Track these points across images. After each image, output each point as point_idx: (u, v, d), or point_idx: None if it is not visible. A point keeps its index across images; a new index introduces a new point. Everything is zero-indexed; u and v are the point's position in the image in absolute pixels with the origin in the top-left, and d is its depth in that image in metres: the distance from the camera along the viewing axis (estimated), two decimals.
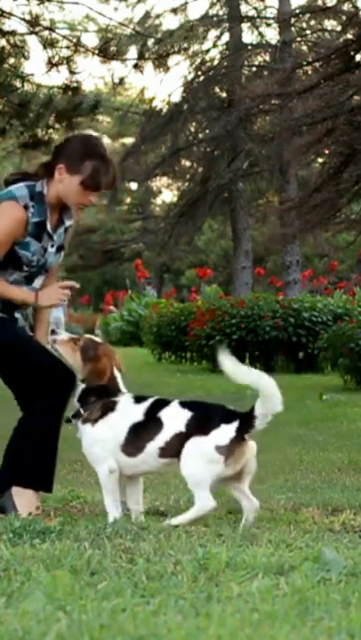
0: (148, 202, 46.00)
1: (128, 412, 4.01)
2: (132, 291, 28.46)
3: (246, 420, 3.89)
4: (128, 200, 47.50)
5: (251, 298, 16.89)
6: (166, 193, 46.83)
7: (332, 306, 16.40)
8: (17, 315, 4.29)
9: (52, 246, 4.27)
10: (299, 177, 22.39)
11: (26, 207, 4.12)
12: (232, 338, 15.75)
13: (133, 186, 43.78)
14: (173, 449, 3.91)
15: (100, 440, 4.00)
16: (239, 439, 3.83)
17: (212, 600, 2.61)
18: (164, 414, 3.97)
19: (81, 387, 4.08)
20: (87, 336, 4.17)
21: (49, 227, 4.23)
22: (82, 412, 4.05)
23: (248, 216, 23.70)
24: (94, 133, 4.41)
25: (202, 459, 3.83)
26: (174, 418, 3.94)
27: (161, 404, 4.02)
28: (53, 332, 4.14)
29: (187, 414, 3.94)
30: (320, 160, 17.06)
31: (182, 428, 3.91)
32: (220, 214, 26.45)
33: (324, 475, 5.95)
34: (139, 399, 4.06)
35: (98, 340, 4.18)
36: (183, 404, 3.99)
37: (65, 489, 4.88)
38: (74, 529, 3.63)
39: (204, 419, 3.92)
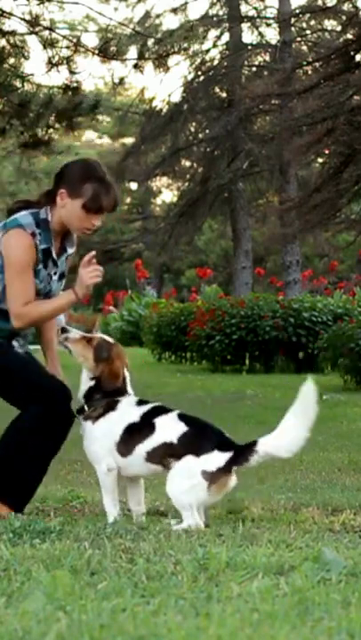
0: (148, 202, 46.02)
1: (127, 412, 4.01)
2: (132, 291, 28.46)
3: (242, 453, 3.81)
4: (128, 200, 47.51)
5: (251, 298, 16.89)
6: (166, 193, 46.86)
7: (332, 306, 16.40)
8: (14, 342, 4.27)
9: (55, 274, 4.27)
10: (299, 177, 22.40)
11: (33, 235, 4.12)
12: (232, 338, 15.75)
13: (133, 186, 43.80)
14: (159, 456, 3.90)
15: (98, 438, 4.00)
16: (226, 471, 3.79)
17: (212, 600, 2.61)
18: (158, 421, 3.95)
19: (88, 384, 4.07)
20: (100, 335, 4.16)
21: (54, 253, 4.24)
22: (85, 408, 4.05)
23: (248, 216, 23.70)
24: (93, 158, 4.43)
25: (187, 480, 3.81)
26: (168, 427, 3.93)
27: (160, 410, 4.01)
28: (64, 329, 4.12)
29: (182, 428, 3.91)
30: (320, 160, 17.06)
31: (173, 440, 3.89)
32: (220, 214, 26.46)
33: (324, 475, 5.94)
34: (141, 402, 4.05)
35: (111, 340, 4.16)
36: (181, 417, 3.96)
37: (65, 489, 4.89)
38: (74, 529, 3.63)
39: (198, 438, 3.88)
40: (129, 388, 4.09)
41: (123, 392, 4.06)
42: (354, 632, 2.32)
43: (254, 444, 3.84)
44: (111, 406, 4.02)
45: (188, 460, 3.83)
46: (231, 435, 8.24)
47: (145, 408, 4.02)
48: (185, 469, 3.83)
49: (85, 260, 4.14)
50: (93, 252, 4.18)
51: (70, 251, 4.37)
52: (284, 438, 3.76)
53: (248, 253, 23.00)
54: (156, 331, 18.64)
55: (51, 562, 3.04)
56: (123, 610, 2.50)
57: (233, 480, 3.86)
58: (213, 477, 3.78)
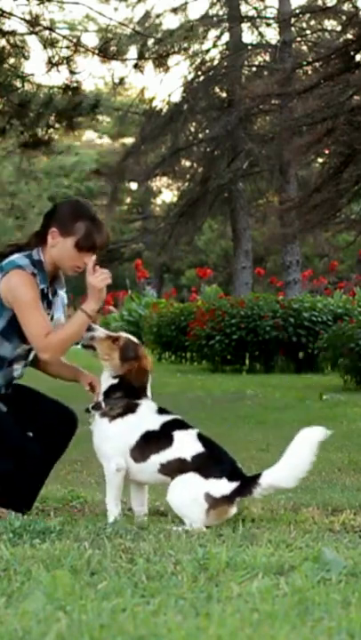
0: (148, 202, 46.02)
1: (146, 419, 4.00)
2: (132, 291, 28.46)
3: (246, 485, 3.82)
4: (128, 200, 47.52)
5: (251, 298, 16.89)
6: (166, 193, 46.86)
7: (332, 306, 16.41)
8: None
9: (49, 315, 4.25)
10: (299, 177, 22.40)
11: (33, 275, 4.11)
12: (232, 338, 15.75)
13: (133, 186, 43.81)
14: (171, 470, 3.90)
15: (112, 438, 3.98)
16: (229, 500, 3.79)
17: (212, 600, 2.61)
18: (177, 435, 3.95)
19: (110, 382, 4.06)
20: (126, 335, 4.14)
21: (50, 295, 4.24)
22: (103, 404, 4.04)
23: (248, 216, 23.71)
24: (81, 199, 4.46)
25: (189, 495, 3.81)
26: (185, 444, 3.93)
27: (180, 424, 4.01)
28: (90, 328, 4.08)
29: (198, 448, 3.91)
30: (320, 160, 17.06)
31: (188, 457, 3.89)
32: (220, 214, 26.46)
33: (324, 475, 5.94)
34: (161, 411, 4.05)
35: (136, 340, 4.16)
36: (200, 437, 3.97)
37: (65, 489, 4.89)
38: (74, 529, 3.63)
39: (211, 461, 3.89)
40: (149, 391, 4.09)
41: (143, 394, 4.05)
42: (354, 632, 2.32)
43: (258, 476, 3.85)
44: (131, 408, 4.00)
45: (194, 476, 3.83)
46: (231, 434, 8.24)
47: (165, 418, 4.01)
48: (188, 483, 3.84)
49: (90, 266, 4.12)
50: (95, 257, 4.17)
51: (61, 292, 4.34)
52: (286, 469, 3.76)
53: (248, 253, 23.00)
54: (156, 331, 18.65)
55: (51, 562, 3.04)
56: (123, 610, 2.50)
57: (233, 510, 3.87)
58: (215, 503, 3.79)
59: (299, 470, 3.73)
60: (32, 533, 3.52)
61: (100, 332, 4.10)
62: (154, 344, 19.11)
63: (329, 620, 2.41)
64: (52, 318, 4.25)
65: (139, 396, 4.04)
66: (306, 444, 3.77)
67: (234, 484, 3.82)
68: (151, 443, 3.95)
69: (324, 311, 16.02)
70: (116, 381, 4.04)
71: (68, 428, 4.30)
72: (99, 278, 4.10)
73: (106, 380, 4.08)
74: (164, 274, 46.71)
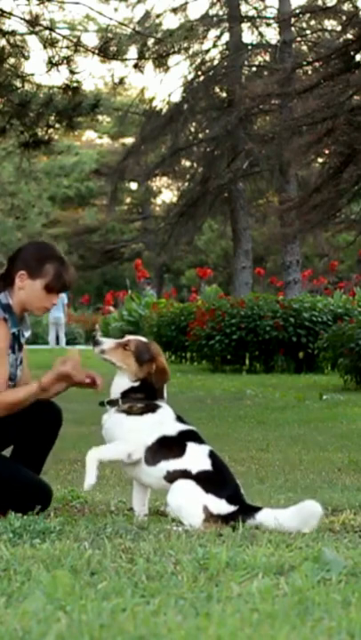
0: (148, 202, 46.02)
1: (165, 422, 4.00)
2: (132, 291, 28.48)
3: (243, 512, 3.80)
4: (128, 200, 47.53)
5: (251, 298, 16.90)
6: (166, 193, 46.89)
7: (333, 306, 16.41)
8: None
9: (17, 359, 4.24)
10: (299, 177, 22.40)
11: (5, 320, 4.10)
12: (232, 338, 15.75)
13: (133, 186, 43.83)
14: (175, 479, 3.90)
15: (133, 430, 3.96)
16: (223, 520, 3.79)
17: (212, 600, 2.61)
18: (191, 446, 3.95)
19: (130, 384, 4.03)
20: (135, 338, 4.13)
21: (20, 337, 4.24)
22: (120, 402, 4.02)
23: (248, 216, 23.72)
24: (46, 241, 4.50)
25: (187, 503, 3.81)
26: (195, 457, 3.93)
27: (195, 437, 4.01)
28: (96, 342, 4.06)
29: (206, 465, 3.92)
30: (320, 160, 17.06)
31: (193, 471, 3.89)
32: (220, 214, 26.48)
33: (324, 475, 5.94)
34: (179, 419, 4.05)
35: (145, 339, 4.14)
36: (211, 455, 3.97)
37: (65, 489, 4.88)
38: (74, 529, 3.63)
39: (216, 479, 3.89)
40: (165, 392, 4.09)
41: (161, 395, 4.05)
42: (354, 632, 2.32)
43: (257, 510, 3.83)
44: (151, 409, 4.00)
45: (196, 486, 3.84)
46: (231, 434, 8.23)
47: (183, 427, 4.01)
48: (189, 489, 3.84)
49: (61, 358, 4.14)
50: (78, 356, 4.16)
51: (27, 334, 4.34)
52: (288, 518, 3.76)
53: (248, 253, 23.00)
54: (156, 331, 18.66)
55: (51, 562, 3.04)
56: (123, 610, 2.50)
57: (225, 529, 3.87)
58: (210, 518, 3.79)
59: (296, 526, 3.72)
60: (32, 533, 3.52)
61: (108, 342, 4.07)
62: None
63: (329, 620, 2.41)
64: (20, 362, 4.26)
65: (156, 397, 4.04)
66: (314, 516, 3.77)
67: (232, 508, 3.82)
68: (164, 448, 3.94)
69: (324, 311, 16.03)
70: (137, 384, 4.02)
71: (54, 420, 4.29)
72: (68, 366, 4.10)
73: (124, 382, 4.04)
74: (164, 274, 46.71)
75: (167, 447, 3.94)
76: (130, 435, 3.97)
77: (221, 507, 3.81)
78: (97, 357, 4.08)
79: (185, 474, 3.88)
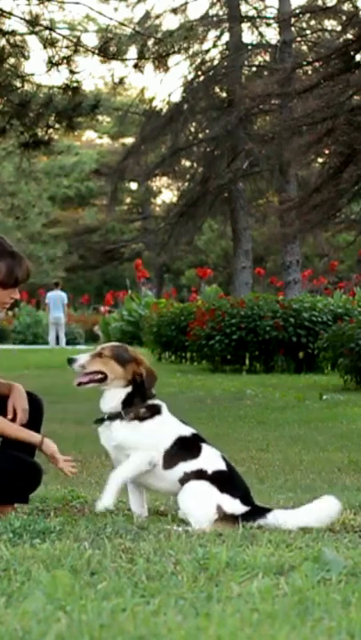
0: (148, 202, 46.04)
1: (175, 423, 4.00)
2: (132, 291, 28.49)
3: (255, 513, 3.84)
4: (128, 200, 47.54)
5: (251, 298, 16.89)
6: (166, 193, 46.90)
7: (333, 306, 16.41)
8: None
9: None
10: (299, 177, 22.41)
11: None
12: (232, 338, 15.75)
13: (133, 186, 43.84)
14: (188, 480, 3.91)
15: (151, 435, 3.95)
16: (234, 520, 3.80)
17: (212, 600, 2.61)
18: (206, 447, 3.96)
19: (125, 391, 4.02)
20: (108, 344, 4.12)
21: None
22: (123, 414, 4.00)
23: (248, 216, 23.72)
24: None
25: (201, 503, 3.82)
26: (211, 457, 3.94)
27: (202, 439, 4.03)
28: (71, 360, 4.03)
29: (222, 464, 3.93)
30: (320, 160, 17.07)
31: (209, 471, 3.90)
32: (220, 214, 26.48)
33: (324, 475, 5.95)
34: (182, 421, 4.07)
35: (118, 343, 4.14)
36: (223, 458, 3.99)
37: (65, 489, 4.88)
38: (74, 529, 3.63)
39: (230, 479, 3.91)
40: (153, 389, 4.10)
41: (152, 393, 4.05)
42: (354, 632, 2.32)
43: (268, 511, 3.86)
44: (157, 410, 4.00)
45: (210, 485, 3.84)
46: (231, 434, 8.23)
47: (191, 430, 4.02)
48: (204, 489, 3.84)
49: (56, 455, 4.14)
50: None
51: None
52: (298, 517, 3.78)
53: (248, 253, 23.01)
54: (156, 331, 18.65)
55: (51, 562, 3.04)
56: (123, 610, 2.50)
57: (237, 529, 3.88)
58: (223, 517, 3.80)
59: (306, 523, 3.74)
60: (32, 533, 3.52)
61: (84, 356, 4.05)
62: (154, 344, 19.12)
63: (329, 620, 2.41)
64: None
65: (151, 396, 4.04)
66: (327, 512, 3.78)
67: (245, 508, 3.84)
68: (182, 449, 3.94)
69: (324, 311, 16.03)
70: (130, 389, 4.01)
71: (37, 411, 4.28)
72: (65, 462, 4.16)
73: (117, 392, 4.02)
74: (164, 274, 46.72)
75: (185, 448, 3.94)
76: (150, 440, 3.95)
77: (236, 507, 3.83)
78: (80, 378, 4.01)
79: (200, 474, 3.88)
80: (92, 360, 4.01)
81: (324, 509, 3.82)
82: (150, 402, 4.02)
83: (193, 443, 3.96)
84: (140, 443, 3.95)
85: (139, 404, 4.00)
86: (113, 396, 4.02)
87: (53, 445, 4.13)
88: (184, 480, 3.91)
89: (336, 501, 3.85)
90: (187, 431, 4.00)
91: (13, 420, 4.13)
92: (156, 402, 4.04)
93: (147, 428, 3.96)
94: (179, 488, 3.94)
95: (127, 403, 3.99)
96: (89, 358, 4.02)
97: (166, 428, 3.98)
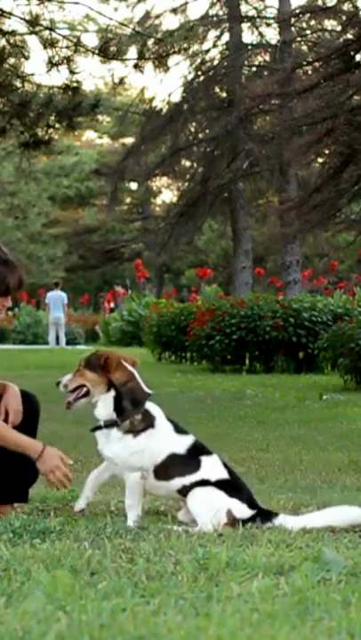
0: (148, 202, 46.05)
1: (169, 436, 4.00)
2: (132, 291, 28.49)
3: (262, 516, 3.85)
4: (128, 200, 47.55)
5: (251, 298, 16.89)
6: (166, 193, 46.92)
7: (333, 306, 16.41)
8: None
9: None
10: (299, 177, 22.41)
11: None
12: (232, 338, 15.75)
13: (133, 186, 43.85)
14: (190, 489, 3.91)
15: (140, 451, 3.96)
16: (238, 523, 3.81)
17: (212, 600, 2.61)
18: (205, 460, 3.95)
19: (111, 396, 4.03)
20: (81, 359, 4.15)
21: None
22: (119, 422, 4.00)
23: (248, 216, 23.72)
24: None
25: (212, 508, 3.82)
26: (212, 467, 3.94)
27: (202, 448, 4.02)
28: (57, 383, 4.06)
29: (223, 472, 3.94)
30: (320, 160, 17.07)
31: (212, 479, 3.90)
32: (220, 214, 26.49)
33: (324, 475, 5.94)
34: (176, 426, 4.05)
35: (97, 352, 4.16)
36: (225, 465, 4.00)
37: (65, 489, 4.88)
38: (74, 529, 3.63)
39: (235, 485, 3.93)
40: (145, 387, 4.08)
41: (143, 393, 4.04)
42: (354, 632, 2.32)
43: (275, 515, 3.88)
44: (150, 423, 4.00)
45: (219, 491, 3.86)
46: (231, 434, 8.22)
47: (187, 440, 4.01)
48: (213, 493, 3.85)
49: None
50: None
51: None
52: (303, 521, 3.79)
53: (248, 253, 23.01)
54: (156, 331, 18.65)
55: (51, 562, 3.04)
56: (123, 610, 2.50)
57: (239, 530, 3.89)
58: (232, 522, 3.80)
59: (314, 525, 3.76)
60: (32, 533, 3.52)
61: (65, 377, 4.08)
62: (154, 344, 19.12)
63: (329, 620, 2.41)
64: None
65: (143, 396, 4.03)
66: (339, 518, 3.80)
67: (252, 512, 3.86)
68: (178, 465, 3.94)
69: (324, 311, 16.02)
70: (113, 393, 4.02)
71: (32, 411, 4.27)
72: (57, 472, 4.06)
73: (105, 400, 4.04)
74: (164, 274, 46.72)
75: (180, 464, 3.95)
76: (138, 458, 3.95)
77: (244, 511, 3.84)
78: (69, 398, 4.03)
79: (203, 483, 3.89)
80: (72, 378, 4.06)
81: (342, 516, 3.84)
82: (146, 408, 4.01)
83: (190, 458, 3.96)
84: (130, 461, 3.96)
85: (132, 411, 3.99)
86: (103, 404, 4.02)
87: (55, 458, 4.03)
88: (182, 491, 3.92)
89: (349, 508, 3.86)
90: (181, 446, 3.98)
91: (5, 420, 4.12)
92: (152, 409, 4.03)
93: (136, 444, 3.96)
94: (176, 496, 3.96)
95: (119, 408, 3.99)
96: (70, 377, 4.06)
97: (158, 444, 3.96)
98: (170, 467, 3.95)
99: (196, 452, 4.00)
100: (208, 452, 4.02)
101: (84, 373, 4.04)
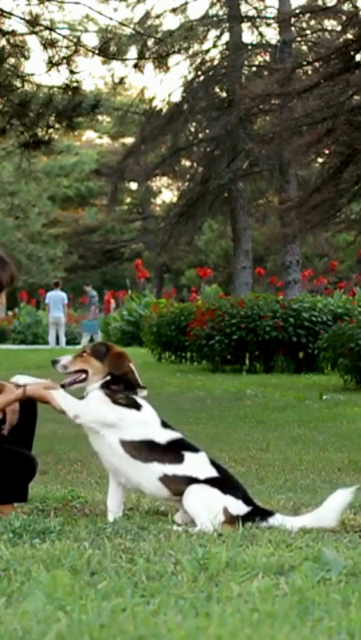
0: (148, 202, 46.02)
1: (153, 425, 3.99)
2: (132, 291, 28.49)
3: (257, 513, 3.86)
4: (128, 200, 47.54)
5: (251, 298, 16.89)
6: (166, 193, 46.90)
7: (332, 306, 16.40)
8: None
9: None
10: (299, 177, 22.41)
11: None
12: (232, 338, 15.75)
13: (133, 186, 43.82)
14: (174, 486, 3.91)
15: (109, 413, 3.96)
16: (236, 520, 3.81)
17: (212, 600, 2.61)
18: (189, 456, 3.95)
19: (104, 379, 4.06)
20: (87, 345, 4.17)
21: None
22: (100, 386, 4.04)
23: (248, 216, 23.72)
24: None
25: (208, 505, 3.82)
26: (198, 464, 3.94)
27: (187, 445, 4.01)
28: (55, 361, 4.10)
29: (212, 470, 3.94)
30: (320, 160, 17.07)
31: (201, 477, 3.90)
32: (220, 214, 26.49)
33: (324, 475, 5.95)
34: (164, 424, 4.05)
35: (102, 342, 4.19)
36: (213, 463, 4.00)
37: (65, 489, 4.88)
38: (74, 529, 3.63)
39: (227, 482, 3.94)
40: (140, 380, 4.09)
41: (136, 384, 4.05)
42: (354, 632, 2.32)
43: (270, 514, 3.89)
44: (136, 405, 4.00)
45: (213, 488, 3.85)
46: (231, 434, 8.22)
47: (172, 434, 4.00)
48: (209, 492, 3.85)
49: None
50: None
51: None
52: (301, 522, 3.81)
53: (248, 253, 23.01)
54: (156, 331, 18.65)
55: (51, 562, 3.04)
56: (123, 610, 2.50)
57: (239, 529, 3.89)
58: (229, 520, 3.80)
59: (311, 525, 3.77)
60: (32, 533, 3.52)
61: (66, 357, 4.11)
62: (154, 344, 19.11)
63: (329, 620, 2.41)
64: None
65: (135, 387, 4.04)
66: (333, 510, 3.80)
67: (248, 508, 3.87)
68: (155, 451, 3.93)
69: (324, 311, 16.02)
70: (109, 377, 4.04)
71: (30, 411, 4.27)
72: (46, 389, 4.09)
73: (97, 382, 4.07)
74: (164, 274, 46.72)
75: (159, 452, 3.94)
76: (114, 417, 3.96)
77: (239, 507, 3.84)
78: (66, 380, 4.07)
79: (191, 480, 3.88)
80: (73, 361, 4.08)
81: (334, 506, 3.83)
82: (136, 399, 4.03)
83: (170, 449, 3.95)
84: (96, 411, 3.97)
85: (120, 391, 4.01)
86: (94, 385, 4.07)
87: (37, 387, 4.07)
88: (167, 483, 3.91)
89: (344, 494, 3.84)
90: (162, 436, 3.97)
91: (3, 420, 4.12)
92: (139, 400, 4.04)
93: (115, 408, 3.98)
94: (159, 489, 3.94)
95: (108, 385, 4.02)
96: (71, 359, 4.08)
97: (136, 423, 3.96)
98: (147, 450, 3.94)
99: (179, 446, 3.98)
100: (194, 450, 4.00)
101: (89, 360, 4.06)
